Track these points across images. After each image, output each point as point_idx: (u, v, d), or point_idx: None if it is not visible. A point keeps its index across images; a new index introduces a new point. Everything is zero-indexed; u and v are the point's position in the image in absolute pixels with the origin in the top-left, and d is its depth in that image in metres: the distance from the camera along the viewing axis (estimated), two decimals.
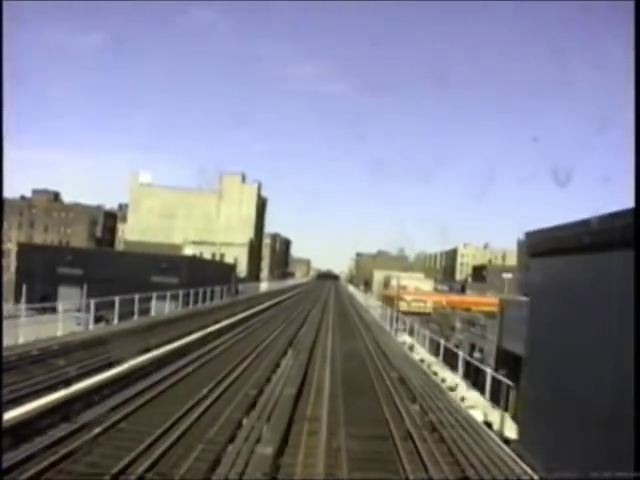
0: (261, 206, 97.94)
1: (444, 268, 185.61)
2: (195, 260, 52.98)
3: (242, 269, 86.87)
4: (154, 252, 53.06)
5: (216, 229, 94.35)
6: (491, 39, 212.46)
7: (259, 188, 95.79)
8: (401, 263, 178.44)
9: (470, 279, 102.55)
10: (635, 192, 7.34)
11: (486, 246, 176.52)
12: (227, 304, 40.01)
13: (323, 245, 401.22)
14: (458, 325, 38.53)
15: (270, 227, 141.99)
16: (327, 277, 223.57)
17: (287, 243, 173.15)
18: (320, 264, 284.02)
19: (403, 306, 67.29)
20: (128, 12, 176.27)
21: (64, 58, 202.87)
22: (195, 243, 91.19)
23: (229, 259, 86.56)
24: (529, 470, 9.50)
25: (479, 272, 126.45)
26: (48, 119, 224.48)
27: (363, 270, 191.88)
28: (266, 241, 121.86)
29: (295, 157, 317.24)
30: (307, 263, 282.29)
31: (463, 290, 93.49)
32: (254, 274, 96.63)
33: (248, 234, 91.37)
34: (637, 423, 7.41)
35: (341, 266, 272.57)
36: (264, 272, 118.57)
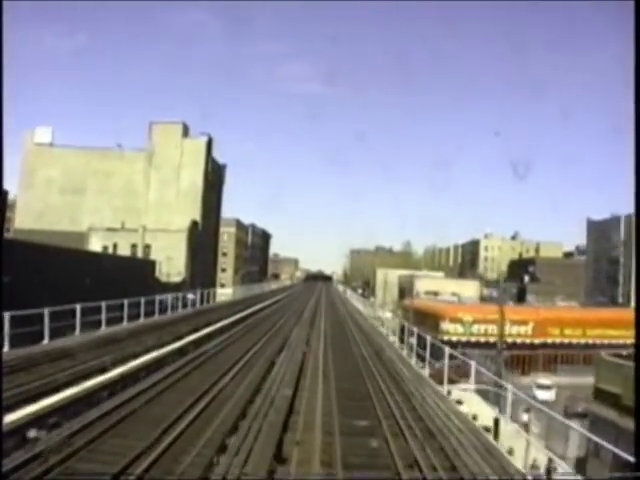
0: (213, 173, 68.07)
1: (461, 264, 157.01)
2: None
3: (178, 269, 57.12)
4: None
5: (144, 208, 64.57)
6: (453, 32, 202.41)
7: (209, 145, 65.85)
8: (406, 260, 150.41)
9: (527, 279, 73.98)
10: (635, 191, 7.46)
11: (515, 236, 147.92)
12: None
13: (313, 244, 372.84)
14: None
15: (243, 217, 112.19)
16: (317, 279, 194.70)
17: (266, 237, 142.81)
18: (310, 264, 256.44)
19: (450, 331, 38.04)
20: (115, 13, 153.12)
21: (51, 60, 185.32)
22: (110, 230, 61.58)
23: (158, 253, 56.95)
24: None
25: (520, 268, 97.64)
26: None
27: (361, 269, 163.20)
28: (229, 230, 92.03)
29: (280, 153, 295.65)
30: (295, 263, 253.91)
31: (522, 296, 64.43)
32: (207, 276, 66.81)
33: (191, 214, 61.58)
34: (637, 423, 8.38)
35: (333, 266, 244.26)
36: (228, 273, 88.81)
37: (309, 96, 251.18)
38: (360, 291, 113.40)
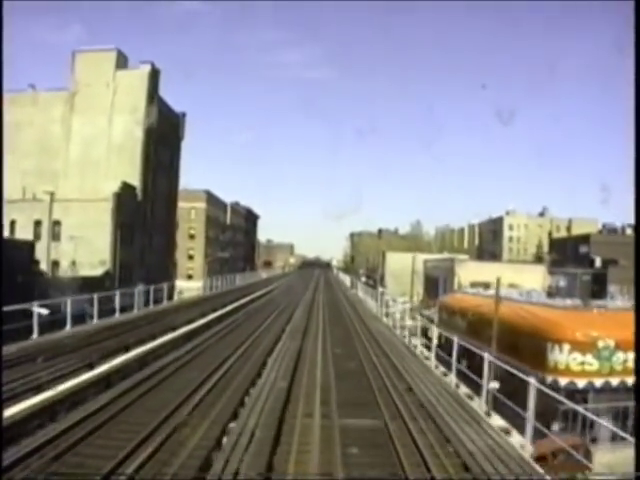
0: (163, 120, 49.56)
1: (479, 246, 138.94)
2: None
3: (100, 255, 39.04)
4: None
5: (62, 171, 46.50)
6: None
7: (154, 78, 47.32)
8: (415, 242, 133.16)
9: (599, 261, 56.43)
10: (635, 191, 7.54)
11: (543, 213, 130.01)
12: None
13: (310, 229, 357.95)
14: None
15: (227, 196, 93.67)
16: (314, 266, 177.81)
17: (253, 218, 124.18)
18: (307, 250, 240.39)
19: (572, 367, 20.17)
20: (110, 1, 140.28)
21: (45, 54, 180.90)
22: (11, 202, 43.39)
23: (73, 232, 39.09)
24: None
25: (565, 248, 79.92)
26: None
27: (364, 254, 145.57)
28: (197, 205, 73.39)
29: (278, 140, 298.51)
30: (290, 249, 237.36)
31: (601, 285, 46.33)
32: (155, 266, 48.94)
33: (128, 177, 43.33)
34: (637, 422, 8.42)
35: (332, 251, 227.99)
36: (196, 261, 70.54)
37: (306, 82, 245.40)
38: (364, 279, 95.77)
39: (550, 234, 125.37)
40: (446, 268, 43.09)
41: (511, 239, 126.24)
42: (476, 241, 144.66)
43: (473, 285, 41.40)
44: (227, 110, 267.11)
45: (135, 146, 44.91)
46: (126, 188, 41.01)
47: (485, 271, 42.38)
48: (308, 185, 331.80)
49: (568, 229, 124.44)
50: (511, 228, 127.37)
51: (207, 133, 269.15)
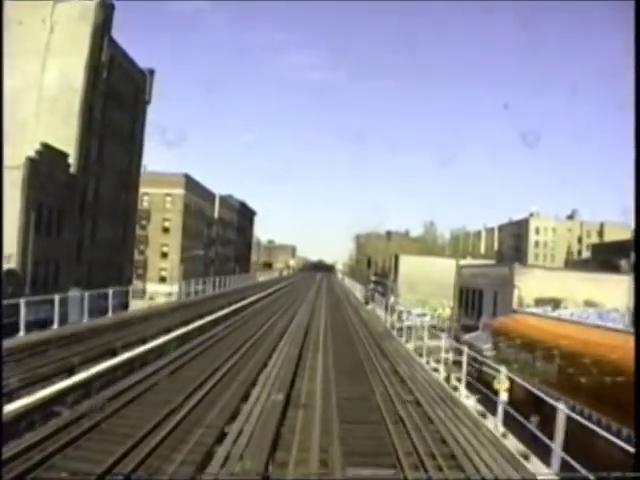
0: (115, 68, 38.04)
1: (498, 251, 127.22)
2: None
3: (7, 249, 27.46)
4: None
5: None
6: (460, 7, 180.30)
7: (103, 9, 35.69)
8: (427, 245, 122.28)
9: None
10: (635, 192, 7.28)
11: (572, 216, 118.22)
12: None
13: (314, 231, 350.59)
14: None
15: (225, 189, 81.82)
16: (317, 269, 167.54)
17: (248, 214, 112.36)
18: (310, 253, 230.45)
19: None
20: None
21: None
22: None
23: None
24: None
25: (611, 255, 68.18)
26: None
27: (372, 258, 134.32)
28: (174, 191, 61.50)
29: (282, 142, 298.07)
30: (291, 250, 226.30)
31: None
32: (111, 266, 37.48)
33: (61, 140, 31.95)
34: (637, 423, 7.70)
35: (337, 254, 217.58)
36: (171, 259, 58.83)
37: (313, 84, 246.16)
38: (372, 286, 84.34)
39: (580, 239, 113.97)
40: (499, 277, 31.42)
41: (537, 244, 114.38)
42: (495, 245, 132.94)
43: (538, 302, 29.95)
44: (234, 109, 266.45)
45: (73, 100, 33.45)
46: (49, 154, 29.47)
47: (554, 282, 30.78)
48: (313, 187, 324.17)
49: (600, 234, 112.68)
50: (537, 232, 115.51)
51: (211, 132, 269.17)
